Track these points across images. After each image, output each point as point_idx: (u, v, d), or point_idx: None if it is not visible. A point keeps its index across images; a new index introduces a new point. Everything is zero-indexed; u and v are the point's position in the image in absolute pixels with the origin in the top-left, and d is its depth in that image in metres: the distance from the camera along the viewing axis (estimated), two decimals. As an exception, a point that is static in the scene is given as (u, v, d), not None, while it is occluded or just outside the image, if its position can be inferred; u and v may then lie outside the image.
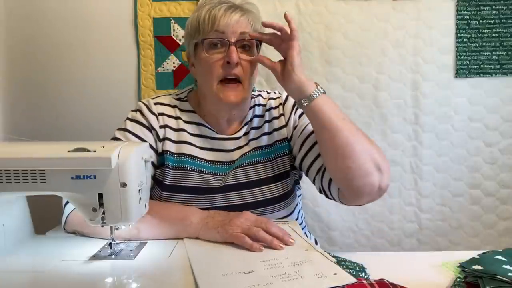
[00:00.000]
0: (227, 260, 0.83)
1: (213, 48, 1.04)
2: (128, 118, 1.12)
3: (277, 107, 1.16)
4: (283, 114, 1.15)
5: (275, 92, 1.21)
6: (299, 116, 1.13)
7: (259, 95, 1.20)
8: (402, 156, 1.66)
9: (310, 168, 1.08)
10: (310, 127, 1.08)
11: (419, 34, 1.61)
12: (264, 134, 1.14)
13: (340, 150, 0.95)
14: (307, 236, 1.14)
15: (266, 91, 1.22)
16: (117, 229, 0.88)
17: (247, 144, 1.13)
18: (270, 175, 1.11)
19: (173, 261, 0.85)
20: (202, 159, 1.10)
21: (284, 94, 1.17)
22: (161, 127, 1.10)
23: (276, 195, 1.10)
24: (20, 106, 1.65)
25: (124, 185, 0.81)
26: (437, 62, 1.62)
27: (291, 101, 1.15)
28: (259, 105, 1.17)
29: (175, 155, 1.09)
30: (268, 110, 1.16)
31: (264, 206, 1.08)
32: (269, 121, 1.15)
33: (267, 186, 1.10)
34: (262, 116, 1.16)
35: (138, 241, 0.93)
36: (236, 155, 1.12)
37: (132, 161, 0.81)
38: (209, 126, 1.13)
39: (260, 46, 1.09)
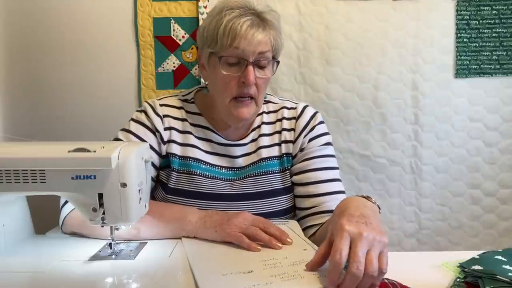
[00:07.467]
0: (226, 260, 0.83)
1: (230, 65, 1.01)
2: (132, 119, 1.11)
3: (290, 119, 1.13)
4: (294, 129, 1.12)
5: (289, 101, 1.17)
6: (309, 140, 1.11)
7: (269, 101, 1.17)
8: (402, 156, 1.66)
9: (297, 197, 1.10)
10: (314, 162, 1.08)
11: (419, 34, 1.61)
12: (274, 144, 1.12)
13: None
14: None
15: (278, 97, 1.19)
16: (117, 229, 0.88)
17: (254, 152, 1.12)
18: (281, 187, 1.11)
19: (173, 261, 0.85)
20: (207, 163, 1.10)
21: (300, 106, 1.14)
22: (166, 129, 1.09)
23: (286, 207, 1.10)
24: (20, 106, 1.65)
25: (124, 185, 0.81)
26: (437, 62, 1.62)
27: (304, 118, 1.13)
28: (269, 112, 1.15)
29: (181, 158, 1.09)
30: (280, 120, 1.14)
31: (273, 218, 1.06)
32: (279, 132, 1.13)
33: (278, 197, 1.10)
34: (272, 123, 1.14)
35: (138, 241, 0.93)
36: (242, 161, 1.11)
37: (132, 161, 0.81)
38: (215, 131, 1.11)
39: (277, 66, 1.06)
